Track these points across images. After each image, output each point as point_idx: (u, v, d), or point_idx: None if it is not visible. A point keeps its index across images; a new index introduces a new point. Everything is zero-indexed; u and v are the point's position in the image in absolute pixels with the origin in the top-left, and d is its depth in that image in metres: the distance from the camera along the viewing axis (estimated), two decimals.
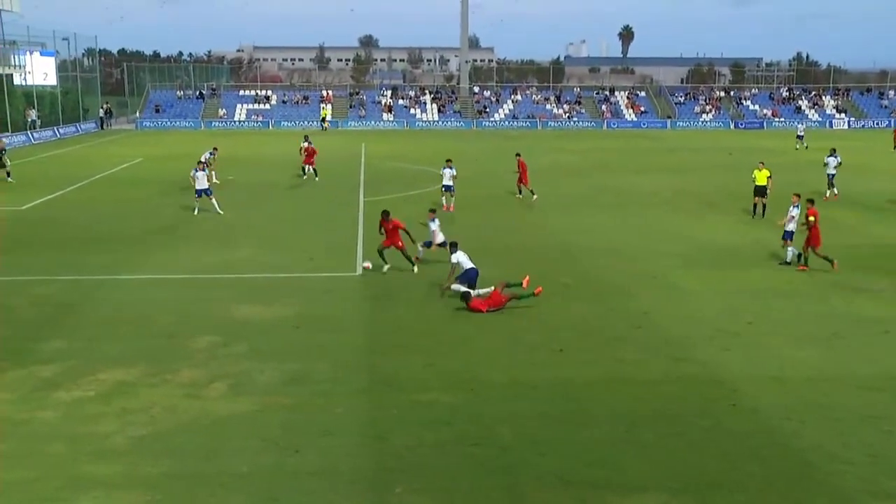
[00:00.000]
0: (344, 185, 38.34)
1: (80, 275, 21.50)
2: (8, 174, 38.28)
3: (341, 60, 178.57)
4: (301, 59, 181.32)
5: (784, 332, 17.19)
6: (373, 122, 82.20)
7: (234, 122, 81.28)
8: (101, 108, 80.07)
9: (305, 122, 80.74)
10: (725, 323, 17.76)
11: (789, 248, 22.72)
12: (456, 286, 19.35)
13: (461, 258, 19.61)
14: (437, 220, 22.73)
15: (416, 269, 21.85)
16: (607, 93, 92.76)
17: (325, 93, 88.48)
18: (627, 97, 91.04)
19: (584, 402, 13.57)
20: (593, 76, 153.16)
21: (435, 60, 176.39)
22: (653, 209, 32.39)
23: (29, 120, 66.54)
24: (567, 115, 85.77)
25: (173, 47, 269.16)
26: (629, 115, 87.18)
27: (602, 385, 14.32)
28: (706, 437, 12.32)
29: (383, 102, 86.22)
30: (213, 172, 38.73)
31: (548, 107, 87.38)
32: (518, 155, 36.09)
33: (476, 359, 15.61)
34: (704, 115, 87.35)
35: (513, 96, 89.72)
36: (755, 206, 30.31)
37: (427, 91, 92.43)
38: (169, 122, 79.97)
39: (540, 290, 19.17)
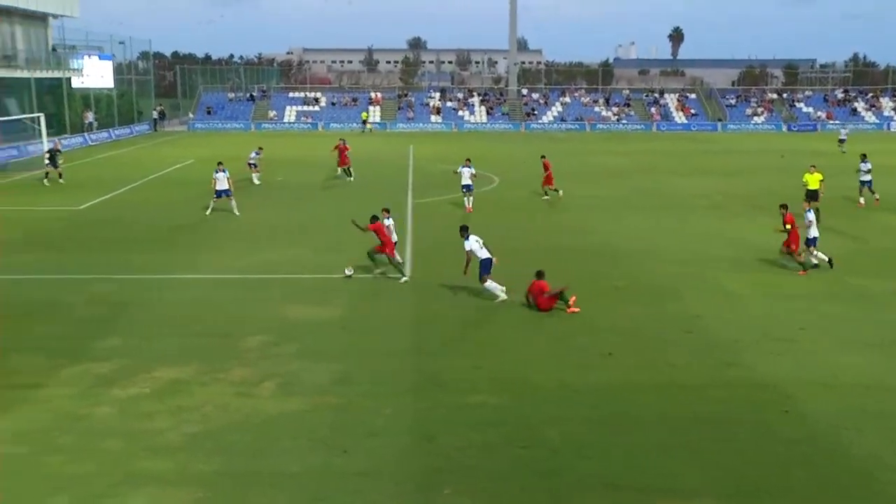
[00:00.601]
0: (392, 187, 38.51)
1: (134, 274, 21.91)
2: (60, 175, 39.09)
3: (390, 62, 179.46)
4: (350, 62, 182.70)
5: (837, 337, 16.91)
6: (421, 124, 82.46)
7: (284, 123, 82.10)
8: (155, 110, 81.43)
9: (354, 124, 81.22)
10: (776, 327, 17.52)
11: (815, 254, 22.50)
12: (492, 285, 19.35)
13: (474, 245, 19.54)
14: (391, 219, 22.38)
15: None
16: (657, 95, 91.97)
17: (373, 95, 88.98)
18: (677, 99, 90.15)
19: (633, 406, 13.50)
20: (642, 78, 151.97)
21: (483, 62, 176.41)
22: (702, 212, 32.06)
23: (86, 122, 67.93)
24: (616, 117, 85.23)
25: (225, 50, 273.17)
26: (679, 117, 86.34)
27: (651, 389, 14.22)
28: (756, 442, 12.18)
29: (431, 104, 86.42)
30: (256, 174, 39.31)
31: (596, 109, 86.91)
32: (543, 157, 36.52)
33: (524, 361, 15.61)
34: (756, 118, 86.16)
35: (561, 98, 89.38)
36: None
37: (475, 93, 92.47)
38: (220, 124, 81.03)
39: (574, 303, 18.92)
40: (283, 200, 34.72)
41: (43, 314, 18.37)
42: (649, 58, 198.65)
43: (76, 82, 68.40)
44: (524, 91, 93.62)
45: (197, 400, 13.59)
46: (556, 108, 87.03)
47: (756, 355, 15.83)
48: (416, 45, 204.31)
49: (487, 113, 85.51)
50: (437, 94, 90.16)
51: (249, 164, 39.55)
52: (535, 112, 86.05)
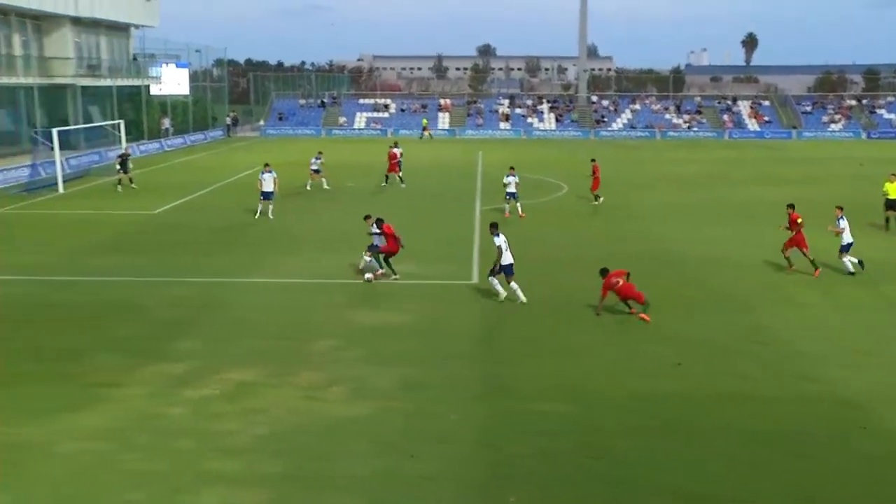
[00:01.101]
0: (460, 193, 38.57)
1: (206, 277, 22.35)
2: (131, 180, 40.04)
3: (459, 69, 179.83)
4: (419, 68, 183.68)
5: None
6: (490, 131, 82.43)
7: (354, 129, 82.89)
8: (228, 116, 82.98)
9: (424, 130, 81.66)
10: (854, 340, 17.05)
11: (846, 259, 22.50)
12: (495, 283, 19.83)
13: (503, 244, 19.70)
14: (375, 226, 22.34)
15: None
16: (729, 102, 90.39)
17: (442, 101, 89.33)
18: (750, 106, 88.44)
19: (703, 418, 13.27)
20: (715, 85, 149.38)
21: (553, 69, 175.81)
22: (774, 220, 31.31)
23: (162, 128, 69.62)
24: (687, 124, 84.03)
25: (296, 57, 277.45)
26: (752, 124, 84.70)
27: (721, 400, 13.97)
28: (833, 459, 11.86)
29: (500, 111, 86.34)
30: (322, 179, 39.79)
31: (667, 116, 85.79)
32: (593, 160, 36.49)
33: (592, 369, 15.48)
34: (833, 125, 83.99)
35: (631, 105, 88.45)
36: (887, 219, 29.00)
37: (544, 100, 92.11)
38: (291, 130, 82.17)
39: (641, 311, 18.78)
40: (353, 205, 35.01)
41: (122, 315, 18.86)
42: (722, 64, 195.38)
43: (154, 89, 70.20)
44: (594, 98, 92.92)
45: (266, 402, 13.78)
46: (626, 116, 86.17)
47: (832, 368, 15.43)
48: (486, 52, 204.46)
49: (556, 120, 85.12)
50: (506, 101, 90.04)
51: (312, 171, 40.17)
52: (605, 119, 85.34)
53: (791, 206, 23.18)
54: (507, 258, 19.75)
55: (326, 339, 17.08)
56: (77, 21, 61.02)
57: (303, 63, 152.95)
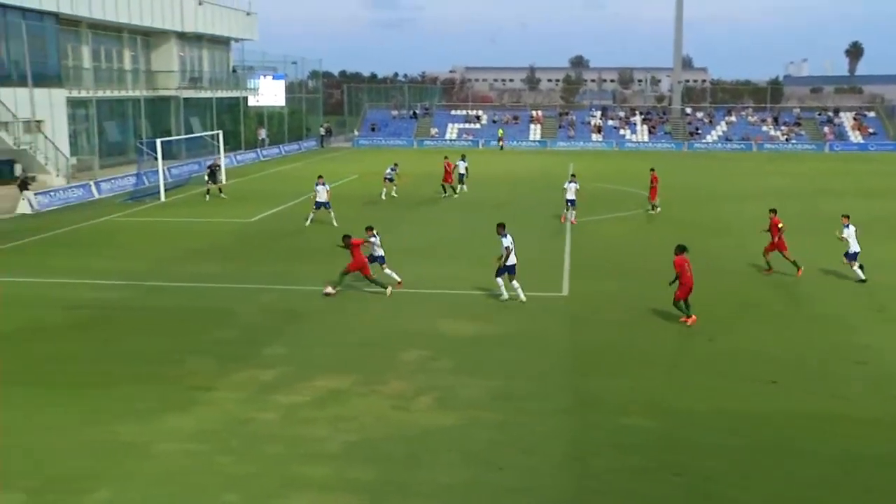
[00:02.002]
0: (550, 205, 38.37)
1: (298, 284, 22.75)
2: (220, 190, 41.05)
3: (551, 81, 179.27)
4: (511, 80, 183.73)
5: None
6: (581, 143, 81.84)
7: (446, 140, 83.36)
8: (322, 127, 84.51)
9: (514, 142, 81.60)
10: None
11: (856, 268, 22.85)
12: (501, 284, 20.58)
13: (509, 245, 20.39)
14: (377, 236, 22.49)
15: (388, 291, 21.66)
16: (830, 114, 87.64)
17: (534, 113, 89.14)
18: (854, 118, 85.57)
19: (798, 439, 12.87)
20: (815, 96, 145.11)
21: (646, 81, 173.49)
22: (878, 236, 30.23)
23: (259, 138, 71.42)
24: (785, 136, 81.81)
25: (389, 69, 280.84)
26: (855, 136, 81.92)
27: (818, 421, 13.53)
28: None
29: (592, 123, 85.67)
30: (394, 187, 40.27)
31: (764, 128, 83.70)
32: (652, 170, 36.50)
33: (682, 385, 15.19)
34: None
35: (726, 118, 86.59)
36: None
37: (637, 112, 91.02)
38: (383, 141, 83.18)
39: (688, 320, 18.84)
40: (444, 216, 35.25)
41: (216, 320, 19.38)
42: (823, 74, 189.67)
43: (252, 101, 72.14)
44: (688, 110, 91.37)
45: (355, 410, 13.95)
46: (721, 128, 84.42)
47: None
48: (579, 63, 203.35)
49: (649, 132, 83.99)
50: (599, 113, 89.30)
51: (386, 179, 40.77)
52: (699, 131, 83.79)
53: (773, 211, 24.12)
54: (511, 259, 20.45)
55: (415, 348, 17.19)
56: (182, 36, 63.29)
57: (395, 75, 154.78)
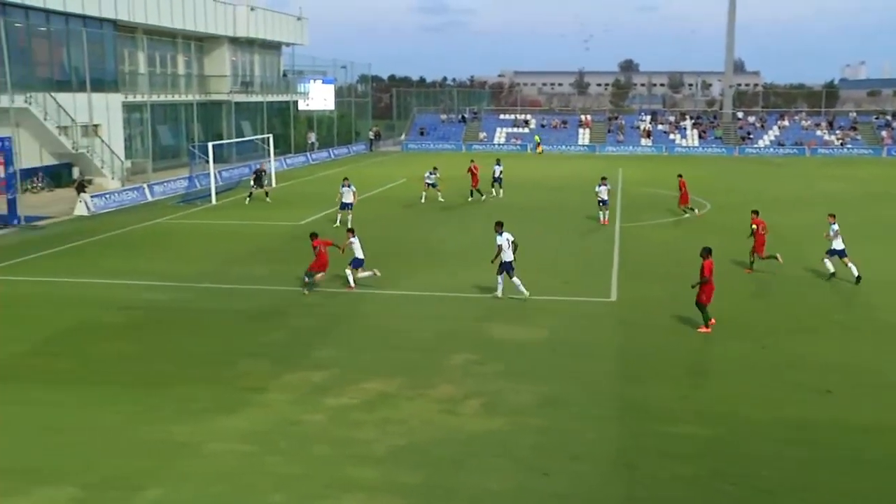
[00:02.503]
0: (596, 210, 38.10)
1: (347, 287, 22.86)
2: (266, 194, 41.39)
3: (600, 85, 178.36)
4: (560, 84, 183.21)
5: None
6: (630, 147, 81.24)
7: (494, 144, 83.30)
8: (371, 131, 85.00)
9: (563, 146, 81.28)
10: None
11: (827, 261, 23.68)
12: (500, 283, 21.26)
13: (504, 243, 21.04)
14: (357, 238, 22.82)
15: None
16: (889, 117, 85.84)
17: (583, 117, 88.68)
18: None
19: (857, 450, 12.61)
20: (872, 100, 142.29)
21: (696, 85, 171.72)
22: None
23: (308, 142, 72.06)
24: (840, 141, 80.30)
25: (438, 73, 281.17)
26: None
27: (878, 432, 13.24)
28: None
29: (642, 127, 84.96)
30: (439, 192, 40.56)
31: (818, 133, 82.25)
32: (680, 176, 36.69)
33: (733, 393, 14.98)
34: None
35: (779, 122, 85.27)
36: None
37: (687, 116, 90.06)
38: (432, 145, 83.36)
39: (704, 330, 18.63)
40: (492, 220, 35.14)
41: (267, 322, 19.59)
42: (882, 77, 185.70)
43: (301, 105, 72.86)
44: (739, 114, 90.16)
45: (402, 413, 13.98)
46: (774, 132, 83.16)
47: None
48: (628, 67, 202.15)
49: (700, 136, 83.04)
50: (648, 117, 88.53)
51: (427, 184, 41.05)
52: (751, 136, 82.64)
53: (755, 213, 25.31)
54: (507, 256, 21.09)
55: (463, 352, 17.19)
56: (234, 41, 64.20)
57: (444, 79, 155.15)
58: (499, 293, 21.52)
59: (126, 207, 39.17)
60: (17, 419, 13.78)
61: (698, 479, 11.63)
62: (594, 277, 24.26)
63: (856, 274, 23.04)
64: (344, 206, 33.49)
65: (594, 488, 11.41)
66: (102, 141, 46.60)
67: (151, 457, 12.29)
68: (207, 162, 42.47)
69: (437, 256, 27.45)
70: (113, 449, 12.59)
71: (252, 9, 64.08)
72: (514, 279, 21.09)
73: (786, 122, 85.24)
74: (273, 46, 72.17)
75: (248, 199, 40.64)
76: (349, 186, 33.68)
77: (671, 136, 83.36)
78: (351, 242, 22.80)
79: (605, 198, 34.10)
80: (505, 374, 15.95)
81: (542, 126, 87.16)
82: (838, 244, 23.54)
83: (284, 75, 74.38)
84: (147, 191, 42.49)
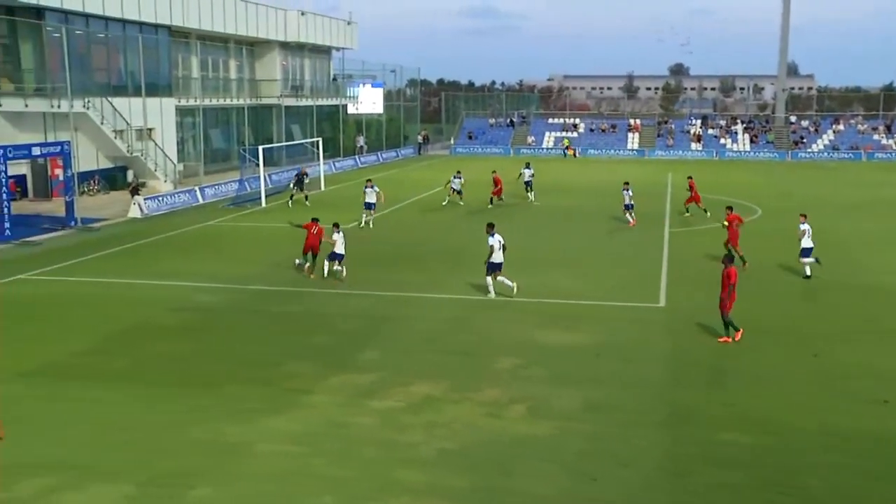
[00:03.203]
0: (648, 215, 37.86)
1: (393, 291, 23.04)
2: (306, 197, 41.67)
3: (650, 89, 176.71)
4: (609, 88, 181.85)
5: None
6: (680, 152, 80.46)
7: (542, 149, 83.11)
8: (420, 135, 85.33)
9: (612, 150, 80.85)
10: None
11: (805, 261, 24.36)
12: (489, 283, 21.95)
13: (495, 244, 21.77)
14: (341, 233, 24.15)
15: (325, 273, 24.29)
16: None
17: (632, 121, 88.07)
18: None
19: None
20: None
21: (748, 88, 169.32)
22: None
23: (357, 146, 72.59)
24: None
25: (487, 77, 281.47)
26: None
27: None
28: None
29: (692, 132, 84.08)
30: (460, 197, 41.31)
31: (875, 137, 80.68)
32: (690, 178, 38.23)
33: (783, 401, 14.79)
34: None
35: (834, 126, 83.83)
36: None
37: (739, 120, 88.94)
38: (480, 149, 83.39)
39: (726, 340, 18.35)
40: (539, 224, 35.14)
41: (314, 324, 19.80)
42: None
43: (351, 108, 73.39)
44: (792, 118, 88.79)
45: (448, 416, 14.05)
46: (828, 137, 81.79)
47: None
48: (678, 71, 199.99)
49: (751, 141, 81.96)
50: (699, 122, 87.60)
51: (453, 190, 41.49)
52: (804, 140, 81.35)
53: (729, 208, 26.72)
54: (496, 257, 21.84)
55: (509, 356, 17.22)
56: (285, 45, 64.94)
57: (493, 83, 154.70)
58: (492, 294, 22.08)
59: (178, 210, 39.84)
60: (75, 416, 14.13)
61: (746, 488, 11.52)
62: (643, 283, 24.11)
63: (808, 273, 24.23)
64: (368, 206, 34.41)
65: (642, 495, 11.36)
66: (156, 144, 47.46)
67: (202, 456, 12.52)
68: (257, 165, 43.02)
69: (480, 259, 27.44)
70: (165, 447, 12.85)
71: (303, 13, 64.76)
72: (500, 277, 22.00)
73: (841, 126, 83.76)
74: (323, 50, 72.83)
75: (289, 201, 41.03)
76: (372, 187, 34.64)
77: (722, 141, 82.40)
78: (334, 240, 23.91)
79: (629, 202, 35.27)
80: (551, 378, 15.94)
81: (591, 130, 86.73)
82: (806, 243, 24.33)
83: (334, 79, 74.99)
84: (198, 193, 43.17)
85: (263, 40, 62.06)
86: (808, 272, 24.21)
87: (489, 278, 22.04)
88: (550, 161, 72.63)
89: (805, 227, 24.42)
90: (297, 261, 25.64)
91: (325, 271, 24.02)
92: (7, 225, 30.66)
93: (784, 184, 53.15)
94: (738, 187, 49.01)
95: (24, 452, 12.48)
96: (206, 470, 12.05)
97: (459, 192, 41.35)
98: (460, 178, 41.76)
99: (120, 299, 22.29)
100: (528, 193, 42.84)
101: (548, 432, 13.39)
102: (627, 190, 35.65)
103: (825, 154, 78.77)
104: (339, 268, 24.02)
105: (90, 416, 14.13)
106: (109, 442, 13.09)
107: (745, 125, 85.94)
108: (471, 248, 29.72)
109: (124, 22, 46.41)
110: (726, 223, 26.21)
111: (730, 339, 18.21)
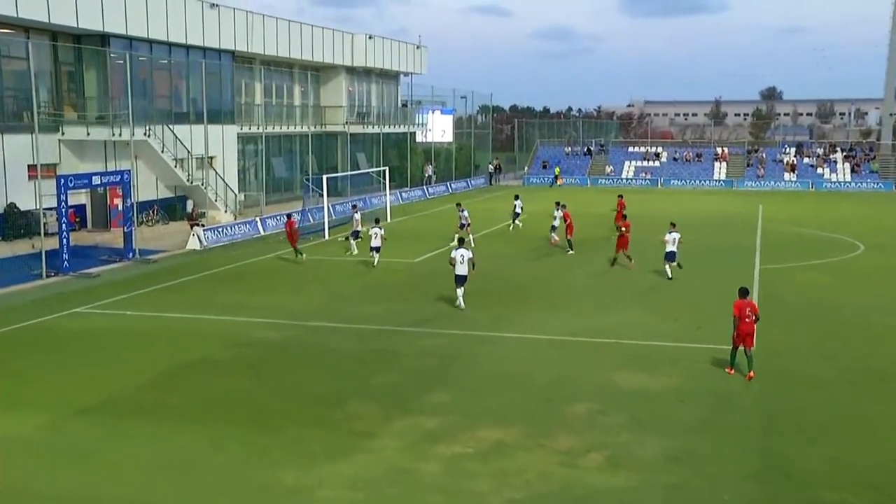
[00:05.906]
0: (736, 250, 37.23)
1: (462, 329, 23.01)
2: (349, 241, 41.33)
3: (739, 115, 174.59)
4: (695, 114, 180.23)
5: None
6: (772, 182, 79.13)
7: (622, 179, 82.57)
8: (491, 164, 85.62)
9: (697, 181, 79.95)
10: None
11: (667, 267, 29.77)
12: (460, 294, 25.02)
13: (458, 257, 24.85)
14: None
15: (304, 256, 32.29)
16: None
17: (719, 150, 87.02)
18: None
19: None
20: None
21: (849, 113, 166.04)
22: None
23: (426, 175, 73.12)
24: None
25: (563, 103, 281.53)
26: None
27: None
28: None
29: (785, 161, 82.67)
30: (519, 224, 43.77)
31: None
32: (620, 197, 42.15)
33: (892, 457, 14.25)
34: None
35: None
36: None
37: (838, 148, 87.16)
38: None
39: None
40: (606, 258, 34.82)
41: (378, 363, 19.87)
42: None
43: (419, 136, 74.03)
44: None
45: (519, 464, 13.90)
46: None
47: None
48: (770, 95, 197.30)
49: (852, 171, 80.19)
50: (793, 150, 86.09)
51: (515, 221, 44.14)
52: None
53: (624, 217, 33.41)
54: (459, 270, 24.77)
55: (585, 401, 17.01)
56: (351, 70, 65.99)
57: (569, 109, 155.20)
58: (461, 304, 25.04)
59: (238, 242, 40.56)
60: (130, 455, 14.37)
61: None
62: (729, 322, 23.61)
63: (669, 276, 29.43)
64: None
65: None
66: (216, 173, 48.51)
67: (262, 500, 12.60)
68: (321, 195, 43.57)
69: (554, 298, 27.30)
70: (226, 490, 12.97)
71: (370, 37, 65.82)
72: (459, 290, 24.94)
73: None
74: (391, 76, 73.77)
75: (349, 252, 40.87)
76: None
77: (819, 170, 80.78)
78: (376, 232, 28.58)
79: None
80: (630, 425, 15.68)
81: (675, 159, 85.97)
82: (671, 248, 29.58)
83: (403, 105, 75.78)
84: (259, 224, 43.94)
85: (329, 65, 63.19)
86: (670, 274, 29.44)
87: (458, 290, 24.95)
88: (637, 192, 72.02)
89: (672, 235, 29.59)
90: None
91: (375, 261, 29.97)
92: (66, 256, 31.57)
93: (891, 217, 51.75)
94: (840, 222, 47.92)
95: (89, 492, 12.79)
96: None
97: (517, 215, 44.27)
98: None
99: (178, 334, 22.73)
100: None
101: (627, 484, 13.15)
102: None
103: None
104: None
105: (146, 455, 14.35)
106: (165, 482, 13.25)
107: (845, 153, 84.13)
108: (552, 285, 29.62)
109: (188, 48, 47.81)
110: (623, 229, 31.11)
111: (752, 374, 18.38)
